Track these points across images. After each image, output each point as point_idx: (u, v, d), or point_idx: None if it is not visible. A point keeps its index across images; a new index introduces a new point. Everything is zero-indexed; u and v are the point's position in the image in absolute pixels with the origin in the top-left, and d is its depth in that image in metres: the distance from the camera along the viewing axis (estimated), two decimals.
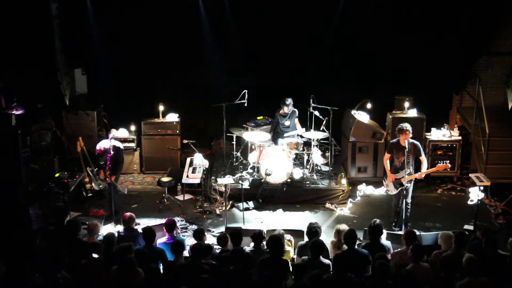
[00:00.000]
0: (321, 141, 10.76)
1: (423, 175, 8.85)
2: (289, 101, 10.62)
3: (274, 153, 10.02)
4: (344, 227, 7.19)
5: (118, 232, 7.67)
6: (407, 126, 8.56)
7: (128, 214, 7.62)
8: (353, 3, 11.11)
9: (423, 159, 8.74)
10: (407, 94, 11.17)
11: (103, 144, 9.23)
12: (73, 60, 11.35)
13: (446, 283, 5.83)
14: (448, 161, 8.66)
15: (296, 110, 10.84)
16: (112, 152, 9.03)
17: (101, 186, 10.08)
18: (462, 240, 6.56)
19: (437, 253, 6.66)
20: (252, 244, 7.10)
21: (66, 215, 7.86)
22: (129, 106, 11.79)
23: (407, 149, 8.48)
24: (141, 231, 7.40)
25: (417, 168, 8.83)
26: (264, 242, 7.02)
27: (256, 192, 10.05)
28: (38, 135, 10.73)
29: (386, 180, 9.04)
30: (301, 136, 10.60)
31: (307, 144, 10.64)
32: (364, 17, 11.08)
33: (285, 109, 10.69)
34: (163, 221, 8.32)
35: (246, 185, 10.13)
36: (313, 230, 6.99)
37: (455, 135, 10.96)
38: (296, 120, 10.88)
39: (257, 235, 6.99)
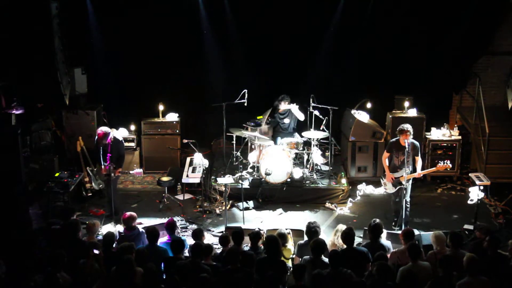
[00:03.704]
0: (321, 140, 10.76)
1: (422, 175, 8.88)
2: (286, 97, 10.60)
3: (274, 153, 10.02)
4: (344, 227, 7.19)
5: (119, 232, 7.67)
6: (408, 127, 8.55)
7: (128, 213, 7.63)
8: (353, 3, 11.11)
9: (418, 159, 8.76)
10: (407, 94, 11.18)
11: (104, 128, 9.18)
12: (73, 60, 11.36)
13: (444, 282, 5.82)
14: (448, 161, 8.64)
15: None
16: (111, 140, 9.05)
17: (101, 185, 10.09)
18: (457, 240, 6.56)
19: (432, 253, 6.66)
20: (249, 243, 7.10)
21: (72, 215, 7.85)
22: (129, 105, 11.79)
23: (407, 149, 8.49)
24: (143, 230, 7.42)
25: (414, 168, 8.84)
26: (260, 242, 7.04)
27: (256, 191, 10.06)
28: (38, 135, 10.73)
29: (384, 179, 9.05)
30: (302, 136, 10.61)
31: (307, 143, 10.65)
32: (364, 17, 11.08)
33: (282, 105, 10.66)
34: (163, 220, 8.33)
35: (246, 184, 10.13)
36: (313, 230, 7.00)
37: (455, 134, 10.97)
38: (296, 111, 10.73)
39: (254, 235, 7.00)
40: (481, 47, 11.35)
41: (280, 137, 10.79)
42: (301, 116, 10.62)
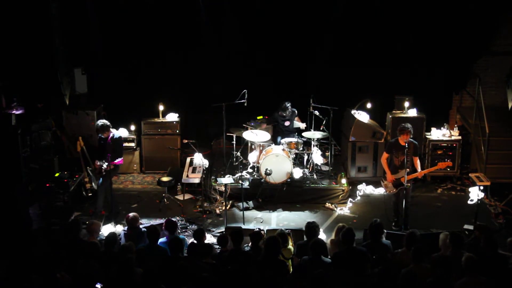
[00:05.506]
0: (321, 141, 10.77)
1: (423, 174, 8.89)
2: (287, 105, 10.66)
3: (274, 153, 10.02)
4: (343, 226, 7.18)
5: (124, 230, 7.66)
6: (409, 126, 8.56)
7: (131, 214, 7.64)
8: (353, 2, 11.10)
9: (417, 158, 8.77)
10: (407, 94, 11.17)
11: (103, 121, 9.20)
12: (73, 60, 11.35)
13: (442, 283, 5.82)
14: (449, 159, 8.64)
15: (295, 110, 10.86)
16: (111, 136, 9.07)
17: None
18: (457, 241, 6.54)
19: (434, 256, 6.64)
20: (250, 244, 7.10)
21: (71, 215, 7.86)
22: (129, 106, 11.79)
23: (407, 149, 8.48)
24: (145, 230, 7.42)
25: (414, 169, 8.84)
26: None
27: (256, 192, 10.06)
28: (38, 135, 10.71)
29: (384, 180, 9.04)
30: (302, 136, 10.61)
31: (307, 144, 10.65)
32: (364, 16, 11.08)
33: (284, 114, 10.75)
34: (163, 221, 8.33)
35: (246, 185, 10.13)
36: (312, 230, 6.99)
37: (455, 135, 10.96)
38: (297, 118, 10.90)
39: (254, 235, 7.00)
40: (481, 47, 11.35)
41: (281, 137, 10.80)
42: (302, 126, 10.81)
